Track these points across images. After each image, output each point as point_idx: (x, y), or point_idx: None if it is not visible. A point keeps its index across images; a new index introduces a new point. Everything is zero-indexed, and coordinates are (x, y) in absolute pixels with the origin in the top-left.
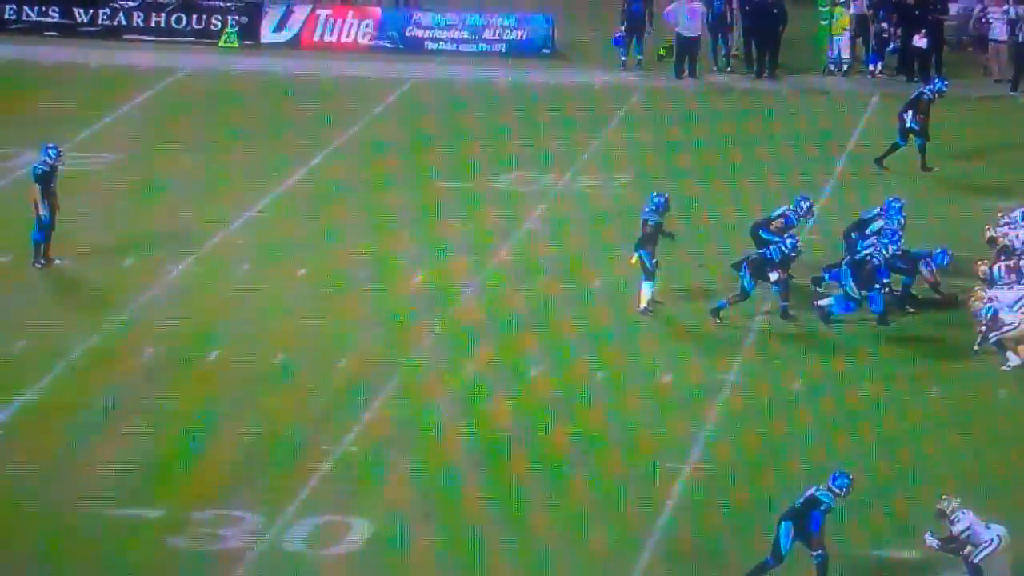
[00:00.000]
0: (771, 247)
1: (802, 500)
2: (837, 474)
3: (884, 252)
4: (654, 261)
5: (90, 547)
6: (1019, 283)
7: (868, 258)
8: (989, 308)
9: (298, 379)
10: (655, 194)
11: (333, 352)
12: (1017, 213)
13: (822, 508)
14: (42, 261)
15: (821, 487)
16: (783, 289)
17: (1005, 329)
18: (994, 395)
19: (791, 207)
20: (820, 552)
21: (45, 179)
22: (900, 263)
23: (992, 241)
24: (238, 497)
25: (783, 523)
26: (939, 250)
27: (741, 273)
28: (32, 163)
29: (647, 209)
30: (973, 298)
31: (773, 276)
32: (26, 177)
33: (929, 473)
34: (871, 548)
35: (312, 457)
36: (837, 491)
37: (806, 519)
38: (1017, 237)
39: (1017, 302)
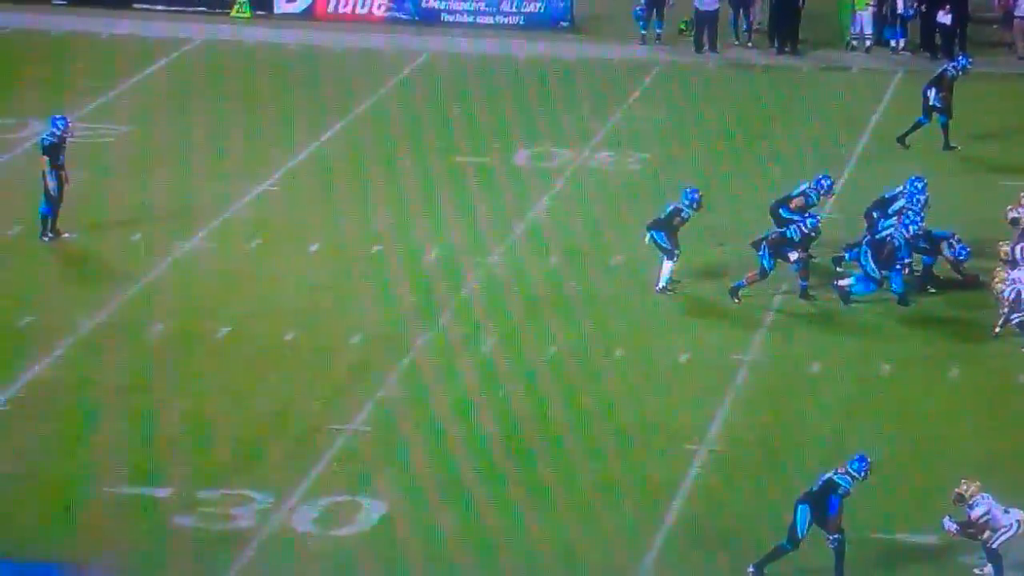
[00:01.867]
0: (791, 226)
1: (820, 484)
2: (855, 457)
3: (904, 232)
4: (675, 241)
5: (97, 525)
6: None
7: (888, 238)
8: (1012, 289)
9: (309, 357)
10: (690, 189)
11: (345, 329)
12: None
13: (840, 492)
14: (50, 235)
15: (839, 470)
16: (803, 268)
17: None
18: (1015, 377)
19: (811, 185)
20: (837, 536)
21: (53, 151)
22: (922, 243)
23: (1015, 222)
24: (247, 476)
25: (800, 506)
26: (959, 244)
27: (760, 252)
28: (40, 134)
29: (684, 204)
30: (995, 279)
31: (792, 256)
32: (34, 148)
33: (948, 456)
34: (888, 531)
35: (323, 436)
36: (855, 474)
37: (824, 502)
38: None
39: None
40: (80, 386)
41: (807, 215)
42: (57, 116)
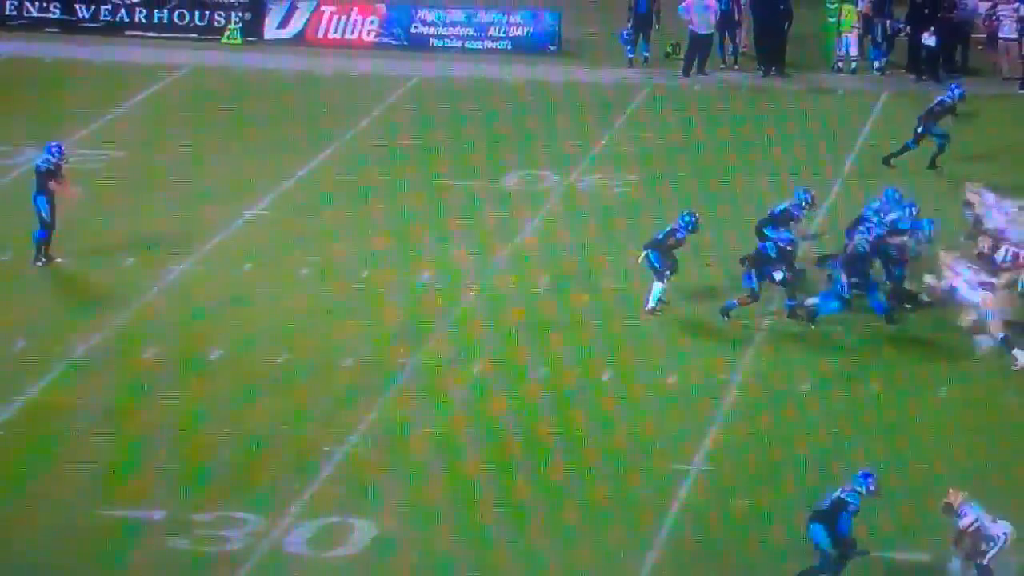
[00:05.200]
0: (767, 243)
1: (829, 502)
2: (860, 474)
3: (868, 237)
4: (669, 263)
5: (91, 549)
6: (997, 265)
7: (857, 249)
8: (951, 285)
9: (301, 379)
10: (687, 212)
11: (337, 352)
12: (991, 197)
13: (850, 510)
14: (43, 259)
15: (847, 488)
16: (789, 287)
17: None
18: (1003, 395)
19: (793, 201)
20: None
21: (47, 177)
22: (893, 250)
23: (968, 204)
24: (240, 499)
25: (813, 525)
26: (925, 220)
27: (745, 274)
28: (35, 160)
29: (680, 226)
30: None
31: (777, 275)
32: (27, 175)
33: (938, 475)
34: (880, 550)
35: (315, 458)
36: (862, 491)
37: (835, 522)
38: (995, 218)
39: (979, 282)
40: (73, 410)
41: (782, 230)
42: (52, 143)
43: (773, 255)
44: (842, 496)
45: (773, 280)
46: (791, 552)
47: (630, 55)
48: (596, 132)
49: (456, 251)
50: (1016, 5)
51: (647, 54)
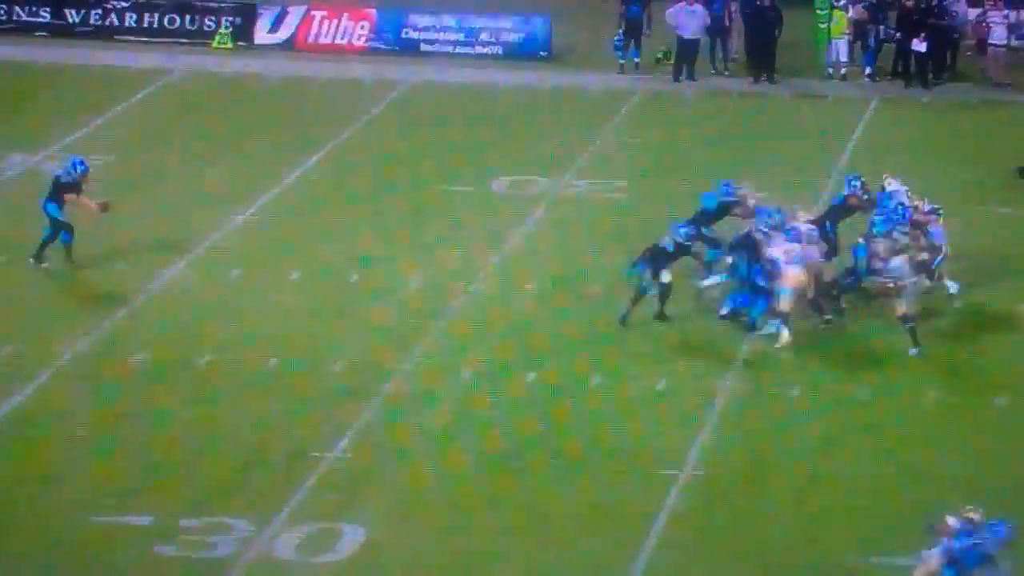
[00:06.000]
0: (666, 237)
1: (961, 548)
2: (993, 523)
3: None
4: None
5: (78, 554)
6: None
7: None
8: (772, 256)
9: (291, 384)
10: (681, 226)
11: (327, 357)
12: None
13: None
14: (31, 260)
15: (976, 535)
16: (664, 292)
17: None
18: (990, 400)
19: (847, 191)
20: None
21: (64, 189)
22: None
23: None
24: (228, 504)
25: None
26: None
27: (638, 269)
28: (56, 170)
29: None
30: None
31: (666, 278)
32: (15, 179)
33: (927, 480)
34: (866, 555)
35: (304, 463)
36: (994, 538)
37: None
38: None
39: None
40: (62, 415)
41: (681, 225)
42: (78, 158)
43: (671, 251)
44: (972, 543)
45: (659, 280)
46: (781, 556)
47: (621, 61)
48: (586, 137)
49: (445, 255)
50: (1006, 12)
51: (638, 60)
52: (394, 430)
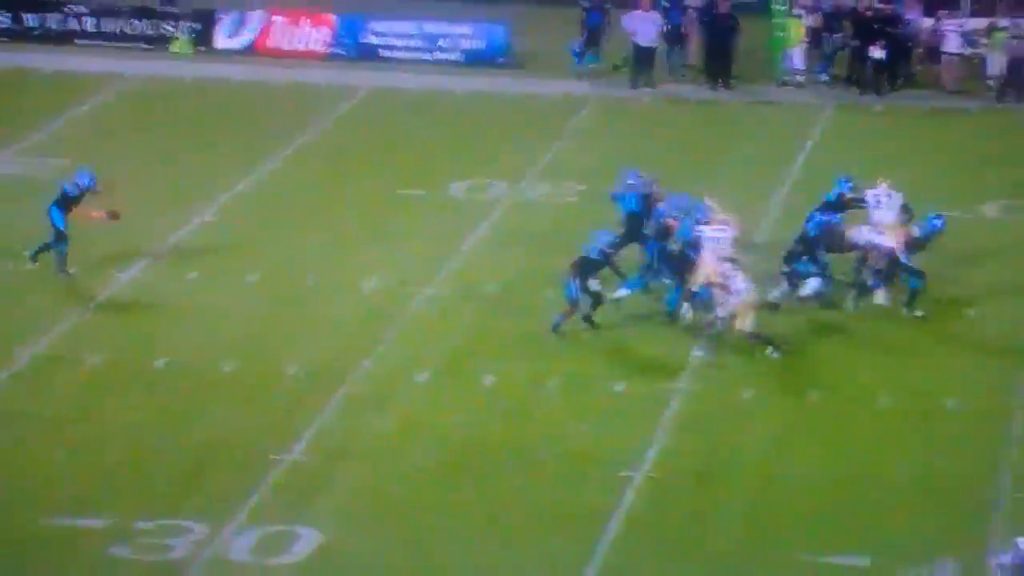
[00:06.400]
0: (590, 246)
1: None
2: None
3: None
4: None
5: (31, 557)
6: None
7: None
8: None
9: (248, 386)
10: (604, 235)
11: (283, 360)
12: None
13: None
14: (66, 272)
15: None
16: (596, 300)
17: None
18: (941, 402)
19: (836, 190)
20: None
21: (70, 201)
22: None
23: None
24: (184, 506)
25: None
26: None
27: (568, 282)
28: (63, 182)
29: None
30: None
31: (594, 286)
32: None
33: (878, 481)
34: (817, 554)
35: (260, 466)
36: None
37: None
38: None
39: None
40: (17, 417)
41: (604, 233)
42: (88, 172)
43: (599, 260)
44: None
45: (588, 289)
46: (735, 559)
47: (579, 67)
48: (544, 143)
49: (403, 259)
50: (961, 20)
51: (596, 66)
52: (351, 432)
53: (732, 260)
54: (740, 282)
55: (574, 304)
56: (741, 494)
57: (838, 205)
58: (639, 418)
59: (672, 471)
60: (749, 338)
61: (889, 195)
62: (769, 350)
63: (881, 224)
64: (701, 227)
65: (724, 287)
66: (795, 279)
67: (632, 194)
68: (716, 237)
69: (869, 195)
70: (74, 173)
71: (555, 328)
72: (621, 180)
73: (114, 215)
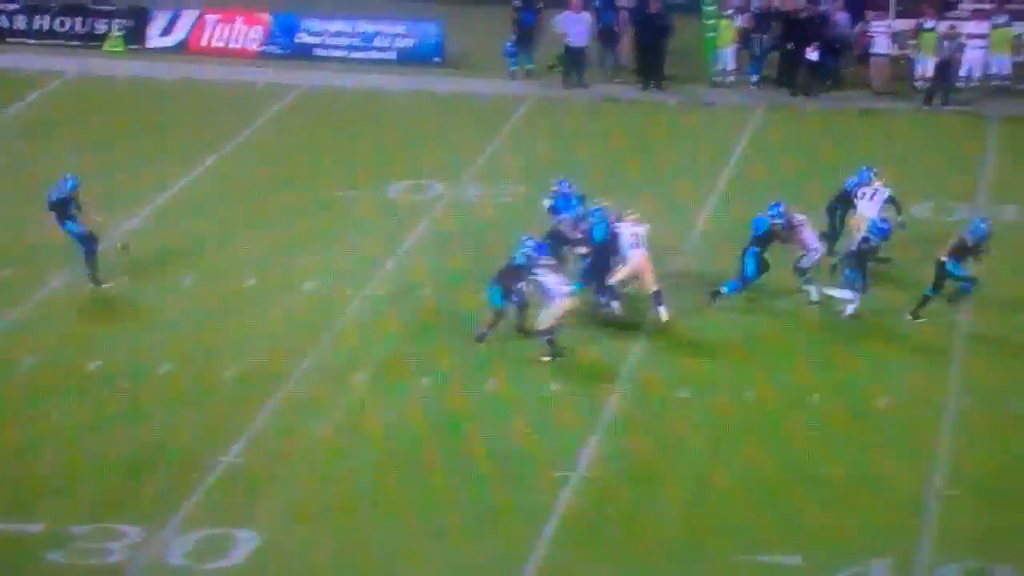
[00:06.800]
0: (516, 252)
1: None
2: None
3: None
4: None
5: None
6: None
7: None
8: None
9: (183, 389)
10: (529, 240)
11: (219, 362)
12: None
13: None
14: (97, 281)
15: None
16: (520, 305)
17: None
18: (873, 402)
19: (858, 178)
20: None
21: (60, 206)
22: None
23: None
24: (120, 510)
25: None
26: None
27: (492, 290)
28: (49, 191)
29: (873, 233)
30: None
31: (519, 293)
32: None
33: (812, 480)
34: (752, 553)
35: (197, 469)
36: None
37: None
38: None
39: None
40: None
41: (527, 239)
42: (67, 175)
43: (523, 265)
44: None
45: (509, 296)
46: (670, 558)
47: (513, 67)
48: (480, 143)
49: (340, 260)
50: (888, 22)
51: (530, 66)
52: (288, 434)
53: (552, 263)
54: (556, 283)
55: (499, 313)
56: (677, 494)
57: (843, 197)
58: (575, 419)
59: (608, 471)
60: (539, 336)
61: (876, 190)
62: (547, 353)
63: (861, 217)
64: (618, 225)
65: (640, 280)
66: (845, 284)
67: (599, 225)
68: (636, 232)
69: (861, 190)
70: (56, 184)
71: (480, 339)
72: (558, 187)
73: (125, 247)
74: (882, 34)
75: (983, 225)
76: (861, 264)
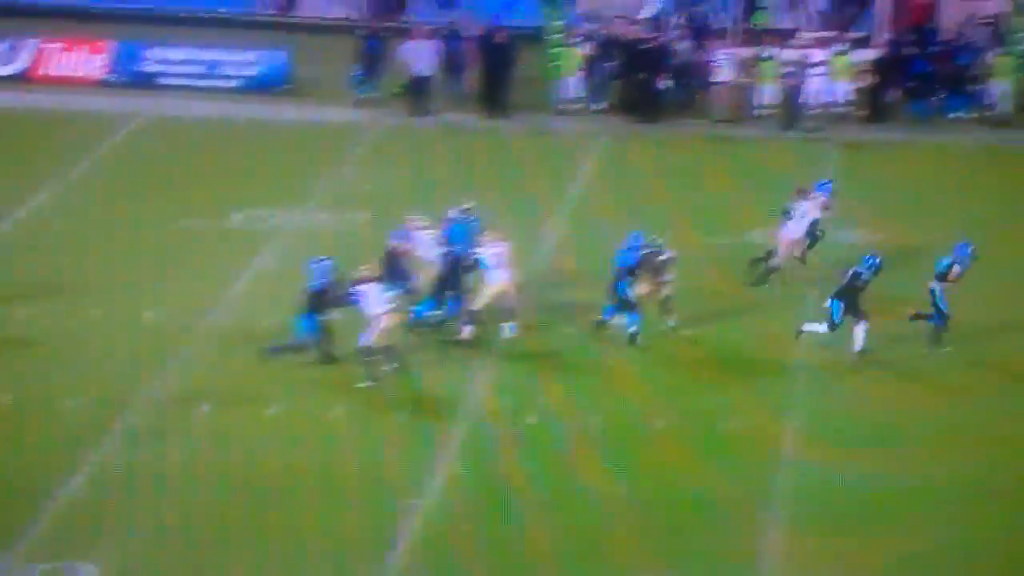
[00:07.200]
0: (313, 279)
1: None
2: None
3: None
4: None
5: None
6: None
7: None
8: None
9: (23, 421)
10: (871, 255)
11: (61, 393)
12: None
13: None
14: None
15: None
16: (327, 335)
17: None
18: (716, 426)
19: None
20: None
21: None
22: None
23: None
24: None
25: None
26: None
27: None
28: None
29: (863, 268)
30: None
31: (324, 318)
32: None
33: (661, 501)
34: (614, 573)
35: (37, 502)
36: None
37: None
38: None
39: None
40: None
41: (326, 264)
42: None
43: (322, 291)
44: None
45: (321, 324)
46: None
47: (360, 95)
48: (326, 171)
49: (183, 289)
50: (731, 51)
51: (376, 94)
52: (131, 465)
53: (378, 278)
54: (381, 300)
55: (308, 342)
56: (526, 519)
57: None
58: (423, 446)
59: (457, 497)
60: (361, 353)
61: (806, 210)
62: (367, 376)
63: (786, 236)
64: (479, 248)
65: (504, 300)
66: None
67: (460, 226)
68: (497, 252)
69: (795, 207)
70: None
71: (270, 353)
72: (445, 218)
73: None
74: (724, 62)
75: (968, 250)
76: (845, 297)
